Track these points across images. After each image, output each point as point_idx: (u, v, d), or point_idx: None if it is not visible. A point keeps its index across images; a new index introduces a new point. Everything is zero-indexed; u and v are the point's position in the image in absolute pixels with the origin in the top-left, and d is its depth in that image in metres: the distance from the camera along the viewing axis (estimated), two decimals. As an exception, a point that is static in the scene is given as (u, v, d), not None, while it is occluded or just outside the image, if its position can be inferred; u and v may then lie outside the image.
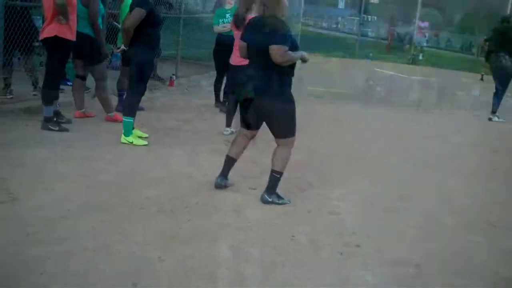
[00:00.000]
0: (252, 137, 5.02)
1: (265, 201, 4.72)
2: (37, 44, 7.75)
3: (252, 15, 6.62)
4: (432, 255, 4.07)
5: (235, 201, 4.73)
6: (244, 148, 5.02)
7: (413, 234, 4.44)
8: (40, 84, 7.26)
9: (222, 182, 4.97)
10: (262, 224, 4.30)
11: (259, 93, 4.56)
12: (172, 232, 3.97)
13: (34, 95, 7.43)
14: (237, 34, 6.80)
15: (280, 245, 3.96)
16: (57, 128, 6.23)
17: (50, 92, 6.20)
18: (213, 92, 8.72)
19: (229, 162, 4.98)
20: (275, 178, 4.74)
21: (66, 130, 6.29)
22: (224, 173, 4.99)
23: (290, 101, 4.64)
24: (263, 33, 4.51)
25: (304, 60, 4.79)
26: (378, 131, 8.23)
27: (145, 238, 3.83)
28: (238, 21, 6.74)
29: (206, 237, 3.97)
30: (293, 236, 4.13)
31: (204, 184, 5.06)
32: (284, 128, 4.71)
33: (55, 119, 6.33)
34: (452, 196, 5.49)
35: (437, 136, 8.30)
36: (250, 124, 4.88)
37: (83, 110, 7.03)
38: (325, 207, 4.82)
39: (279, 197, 4.77)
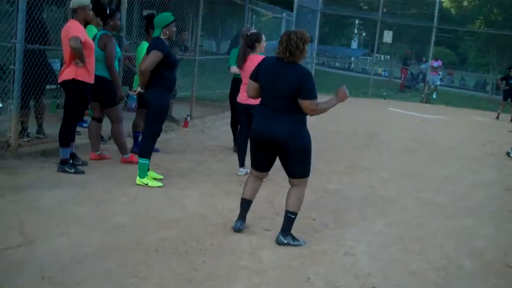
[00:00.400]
0: (263, 178, 5.02)
1: (280, 243, 4.70)
2: (53, 86, 7.84)
3: (254, 54, 6.73)
4: (451, 298, 4.02)
5: (250, 243, 4.71)
6: (257, 189, 5.01)
7: (430, 276, 4.38)
8: (45, 127, 7.42)
9: (241, 227, 4.93)
10: (277, 266, 4.27)
11: (276, 134, 4.55)
12: (187, 275, 3.96)
13: (37, 137, 7.47)
14: (242, 73, 6.88)
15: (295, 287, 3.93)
16: (73, 171, 6.27)
17: (67, 134, 6.25)
18: (231, 132, 8.68)
19: (245, 204, 4.96)
20: (290, 219, 4.73)
21: (82, 172, 6.33)
22: (242, 217, 4.96)
23: (307, 141, 4.64)
24: (286, 79, 4.50)
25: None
26: (393, 170, 8.20)
27: (161, 281, 3.82)
28: (240, 60, 6.83)
29: (221, 279, 3.95)
30: (308, 278, 4.10)
31: (219, 226, 5.05)
32: (301, 168, 4.71)
33: (71, 161, 6.38)
34: (468, 237, 5.43)
35: (453, 176, 8.24)
36: (260, 166, 4.88)
37: (99, 152, 7.06)
38: (340, 248, 4.79)
39: (294, 238, 4.75)
